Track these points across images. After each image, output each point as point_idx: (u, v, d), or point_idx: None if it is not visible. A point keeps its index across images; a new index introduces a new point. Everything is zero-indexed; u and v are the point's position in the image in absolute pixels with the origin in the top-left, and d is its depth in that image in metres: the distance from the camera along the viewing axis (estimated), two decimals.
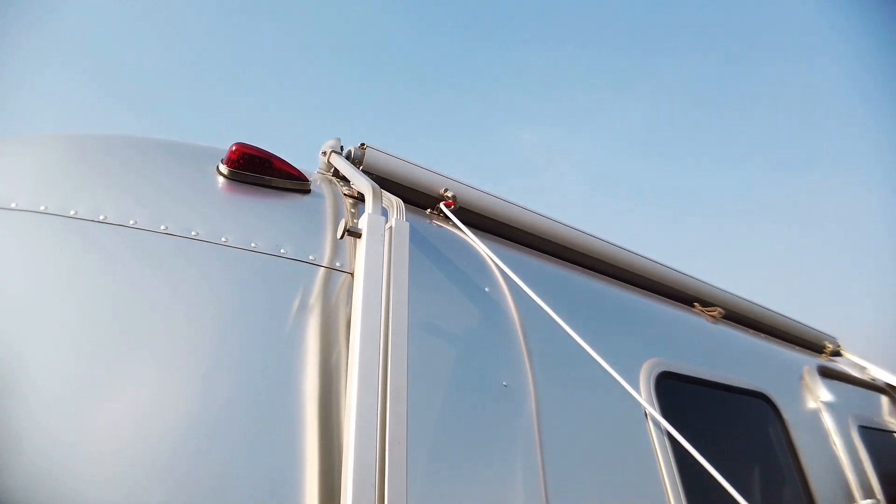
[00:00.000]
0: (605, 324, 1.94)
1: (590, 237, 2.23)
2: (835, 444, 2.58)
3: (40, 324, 1.09)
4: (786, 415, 2.35)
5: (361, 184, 1.50)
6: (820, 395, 2.67)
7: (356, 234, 1.36)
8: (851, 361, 3.66)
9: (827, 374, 2.94)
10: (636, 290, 2.34)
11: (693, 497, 1.71)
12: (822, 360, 3.20)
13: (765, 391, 2.33)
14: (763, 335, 2.98)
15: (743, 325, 2.90)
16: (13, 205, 1.24)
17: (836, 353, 3.66)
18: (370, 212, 1.38)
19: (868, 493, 2.54)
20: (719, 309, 2.65)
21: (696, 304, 2.67)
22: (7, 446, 0.96)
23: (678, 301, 2.60)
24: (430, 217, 1.87)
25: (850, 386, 3.20)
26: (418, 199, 1.93)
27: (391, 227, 1.38)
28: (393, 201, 1.49)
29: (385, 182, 1.87)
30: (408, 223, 1.43)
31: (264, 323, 1.25)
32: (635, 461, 1.67)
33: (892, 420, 3.47)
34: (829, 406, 2.69)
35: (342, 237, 1.39)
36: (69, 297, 1.14)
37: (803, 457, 2.30)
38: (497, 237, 2.03)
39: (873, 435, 3.01)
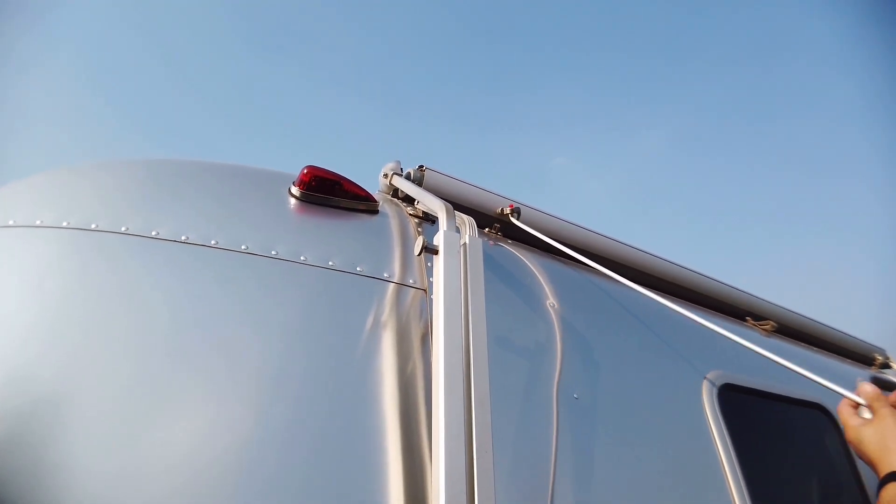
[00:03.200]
0: (665, 338, 1.96)
1: (643, 253, 2.26)
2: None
3: (121, 338, 1.15)
4: (838, 426, 2.34)
5: (434, 203, 1.54)
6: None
7: (433, 251, 1.40)
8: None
9: (879, 385, 2.91)
10: (692, 305, 2.35)
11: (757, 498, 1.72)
12: (873, 372, 3.16)
13: (820, 402, 2.32)
14: (814, 348, 2.96)
15: (794, 339, 2.89)
16: (93, 226, 1.30)
17: (886, 365, 3.62)
18: (445, 229, 1.42)
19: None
20: (771, 322, 2.65)
21: (748, 318, 2.67)
22: (77, 462, 1.01)
23: (731, 315, 2.60)
24: (488, 236, 1.91)
25: None
26: (477, 218, 1.97)
27: (465, 244, 1.42)
28: (465, 219, 1.53)
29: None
30: (481, 240, 1.47)
31: (344, 337, 1.29)
32: (701, 472, 1.68)
33: None
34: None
35: (420, 254, 1.44)
36: (150, 315, 1.19)
37: (860, 465, 2.28)
38: (555, 255, 2.06)
39: None
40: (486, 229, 1.97)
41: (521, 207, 1.99)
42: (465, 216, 1.56)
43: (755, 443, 2.03)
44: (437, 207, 1.50)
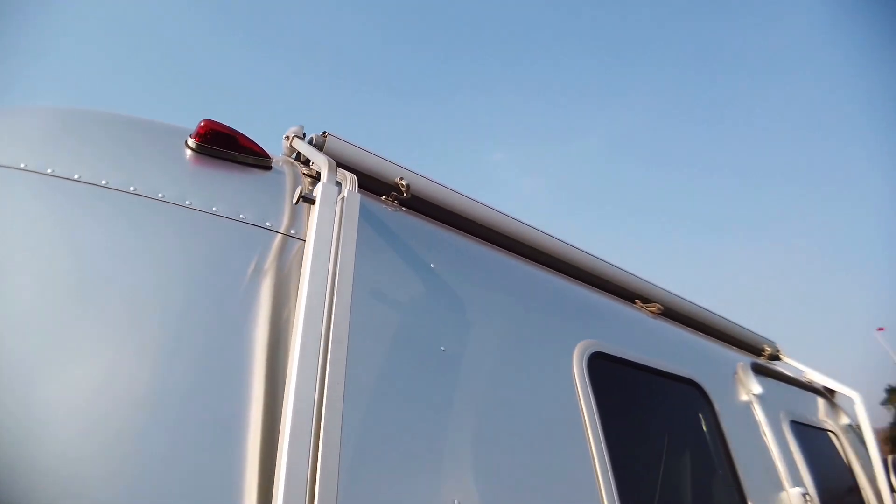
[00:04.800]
0: (544, 306, 2.08)
1: (536, 231, 2.37)
2: (764, 435, 2.74)
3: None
4: (716, 402, 2.51)
5: (319, 159, 1.63)
6: (752, 388, 2.83)
7: (310, 201, 1.49)
8: (790, 364, 3.85)
9: (760, 370, 3.11)
10: (579, 282, 2.48)
11: (620, 473, 1.85)
12: (758, 359, 3.37)
13: (696, 379, 2.48)
14: (702, 334, 3.14)
15: (683, 324, 3.05)
16: None
17: (775, 357, 3.84)
18: (325, 181, 1.51)
19: (796, 482, 2.70)
20: (658, 305, 2.81)
21: (637, 300, 2.82)
22: None
23: (621, 297, 2.74)
24: (385, 203, 2.00)
25: (784, 384, 3.37)
26: (375, 186, 2.05)
27: (343, 198, 1.51)
28: (347, 176, 1.62)
29: (344, 168, 1.99)
30: (359, 195, 1.56)
31: (221, 280, 1.38)
32: (563, 435, 1.80)
33: (826, 420, 3.66)
34: (761, 399, 2.86)
35: (297, 202, 1.53)
36: (36, 249, 1.26)
37: (731, 442, 2.45)
38: (448, 225, 2.16)
39: (805, 430, 3.18)
40: (384, 196, 2.07)
41: (416, 177, 2.09)
42: (348, 173, 1.65)
43: (622, 411, 2.17)
44: (320, 162, 1.59)
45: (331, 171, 1.56)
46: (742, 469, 2.41)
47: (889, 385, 60.93)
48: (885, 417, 61.55)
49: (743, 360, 3.03)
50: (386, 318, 1.54)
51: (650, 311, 2.77)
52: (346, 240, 1.43)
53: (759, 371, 3.11)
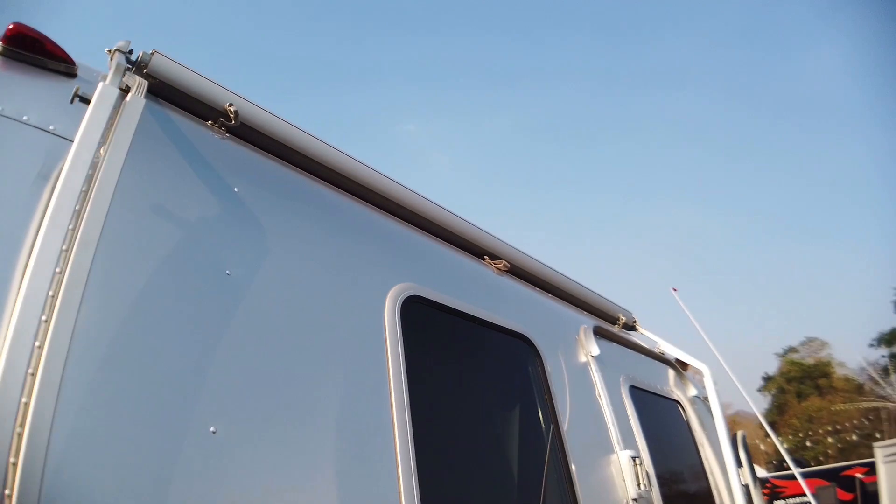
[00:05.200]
0: (364, 246, 2.05)
1: (377, 174, 2.32)
2: (599, 397, 2.80)
3: None
4: (547, 360, 2.54)
5: (112, 65, 1.55)
6: (591, 350, 2.89)
7: (86, 101, 1.42)
8: (645, 336, 3.95)
9: (604, 334, 3.17)
10: (415, 229, 2.43)
11: (422, 421, 1.84)
12: (605, 324, 3.42)
13: (527, 334, 2.50)
14: (551, 296, 3.16)
15: (531, 284, 3.07)
16: None
17: (631, 327, 3.93)
18: (106, 83, 1.44)
19: (628, 445, 2.77)
20: (504, 262, 2.82)
21: (486, 256, 2.83)
22: None
23: (468, 251, 2.72)
24: (211, 128, 1.93)
25: (630, 351, 3.45)
26: (204, 110, 1.97)
27: (126, 103, 1.44)
28: (137, 81, 1.55)
29: (172, 91, 1.91)
30: (144, 100, 1.50)
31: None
32: (362, 372, 1.78)
33: (674, 390, 3.78)
34: (599, 361, 2.92)
35: (73, 101, 1.45)
36: None
37: (559, 401, 2.48)
38: (280, 159, 2.09)
39: (647, 397, 3.27)
40: (211, 122, 1.99)
41: (248, 105, 2.02)
42: (140, 79, 1.58)
43: (436, 359, 2.17)
44: (112, 65, 1.53)
45: (116, 73, 1.49)
46: (567, 428, 2.45)
47: (766, 373, 64.63)
48: (762, 403, 65.08)
49: (584, 322, 3.08)
50: (162, 233, 1.48)
51: (496, 268, 2.78)
52: (118, 144, 1.37)
53: (603, 335, 3.17)
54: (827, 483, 20.80)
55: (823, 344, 64.23)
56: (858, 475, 20.44)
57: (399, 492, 1.66)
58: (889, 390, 40.63)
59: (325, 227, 1.96)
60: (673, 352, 3.96)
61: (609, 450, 2.69)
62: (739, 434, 4.22)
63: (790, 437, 48.98)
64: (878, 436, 29.90)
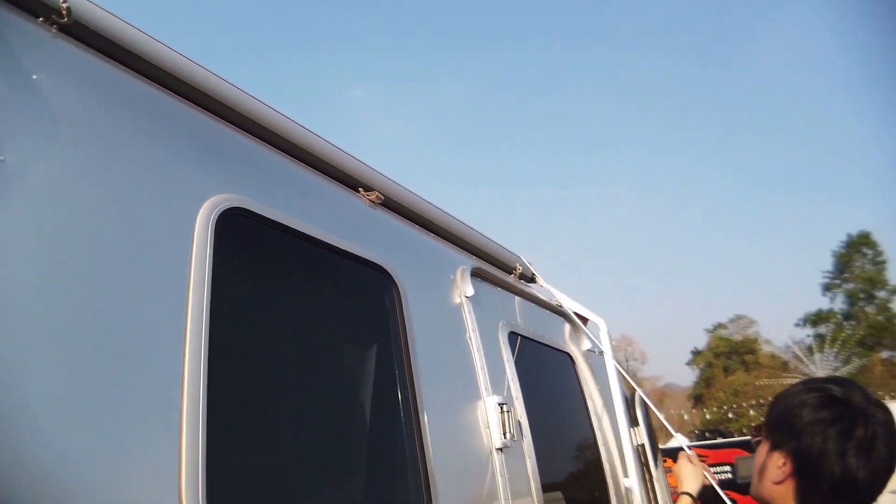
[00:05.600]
0: (187, 152, 1.72)
1: (229, 86, 1.99)
2: (470, 339, 2.55)
3: None
4: (408, 296, 2.27)
5: None
6: (465, 290, 2.64)
7: None
8: (545, 288, 3.73)
9: (487, 278, 2.93)
10: (261, 142, 2.12)
11: (224, 352, 1.55)
12: (494, 269, 3.17)
13: (386, 266, 2.23)
14: (433, 235, 2.89)
15: (411, 221, 2.80)
16: None
17: (530, 280, 3.71)
18: None
19: (499, 391, 2.54)
20: (378, 194, 2.54)
21: (360, 189, 2.54)
22: None
23: (343, 183, 2.43)
24: (40, 24, 1.60)
25: (519, 299, 3.22)
26: (35, 6, 1.63)
27: None
28: None
29: None
30: None
31: None
32: (156, 290, 1.47)
33: (568, 343, 3.57)
34: (475, 304, 2.67)
35: None
36: None
37: (417, 341, 2.21)
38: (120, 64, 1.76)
39: (530, 345, 3.05)
40: (41, 18, 1.65)
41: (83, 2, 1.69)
42: None
43: (261, 282, 1.89)
44: None
45: None
46: (423, 371, 2.19)
47: (695, 348, 66.79)
48: (690, 377, 67.36)
49: (463, 262, 2.82)
50: None
51: (369, 200, 2.50)
52: None
53: (486, 279, 2.93)
54: (747, 454, 21.40)
55: (751, 322, 66.57)
56: None
57: (180, 453, 1.34)
58: (812, 368, 42.21)
59: (137, 127, 1.63)
60: (571, 305, 3.76)
61: (474, 396, 2.44)
62: (637, 392, 4.06)
63: (715, 409, 50.52)
64: None
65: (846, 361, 42.88)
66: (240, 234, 1.78)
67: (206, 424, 1.41)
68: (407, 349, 2.18)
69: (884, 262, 55.63)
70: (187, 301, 1.51)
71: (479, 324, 2.64)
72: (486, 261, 3.20)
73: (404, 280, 2.30)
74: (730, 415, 48.04)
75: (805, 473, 1.57)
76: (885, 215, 76.50)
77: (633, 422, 3.93)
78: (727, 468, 21.18)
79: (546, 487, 2.66)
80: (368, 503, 2.01)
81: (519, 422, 2.60)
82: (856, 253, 57.46)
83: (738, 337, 65.35)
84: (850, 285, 57.63)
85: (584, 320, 3.83)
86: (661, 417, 3.67)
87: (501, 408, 2.43)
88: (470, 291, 2.65)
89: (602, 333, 3.69)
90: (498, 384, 2.58)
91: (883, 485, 1.52)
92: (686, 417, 51.67)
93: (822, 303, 59.54)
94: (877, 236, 56.54)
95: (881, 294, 55.85)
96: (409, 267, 2.40)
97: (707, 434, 26.64)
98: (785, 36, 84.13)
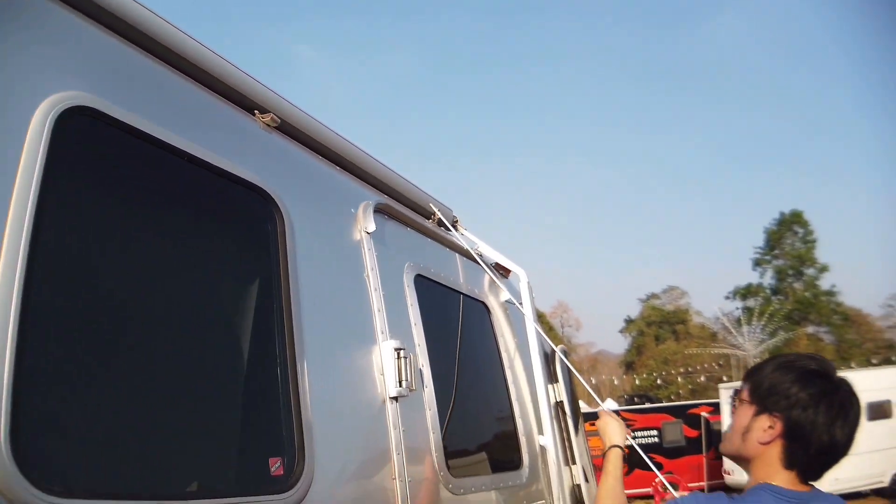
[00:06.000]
0: (25, 44, 1.42)
1: None
2: (367, 278, 2.30)
3: None
4: (294, 224, 1.99)
5: None
6: (367, 226, 2.38)
7: None
8: (466, 237, 3.50)
9: (395, 216, 2.68)
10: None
11: (51, 270, 1.28)
12: (406, 210, 2.91)
13: (270, 190, 1.96)
14: (343, 171, 2.62)
15: (316, 152, 2.52)
16: None
17: (451, 227, 3.46)
18: None
19: (398, 336, 2.30)
20: (273, 116, 2.25)
21: (256, 111, 2.25)
22: None
23: (238, 105, 2.14)
24: None
25: (432, 242, 2.99)
26: None
27: None
28: None
29: None
30: None
31: None
32: None
33: (486, 293, 3.35)
34: (377, 242, 2.42)
35: None
36: None
37: (300, 276, 1.94)
38: None
39: (440, 290, 2.82)
40: None
41: None
42: None
43: (108, 196, 1.59)
44: None
45: None
46: (306, 306, 1.93)
47: (629, 316, 68.41)
48: (623, 344, 69.16)
49: (366, 197, 2.55)
50: None
51: (263, 122, 2.20)
52: None
53: (395, 217, 2.68)
54: (674, 419, 21.89)
55: (683, 293, 68.23)
56: (704, 413, 21.65)
57: None
58: (740, 339, 43.42)
59: None
60: (492, 254, 3.53)
61: (368, 340, 2.21)
62: (558, 348, 3.90)
63: (645, 375, 51.79)
64: (725, 379, 31.83)
65: (772, 335, 44.29)
66: (88, 138, 1.50)
67: (14, 355, 1.15)
68: (287, 282, 1.91)
69: (813, 241, 57.38)
70: (7, 210, 1.23)
71: (381, 263, 2.39)
72: (401, 203, 2.94)
73: (291, 207, 2.03)
74: (658, 381, 49.23)
75: (795, 438, 1.79)
76: (818, 196, 78.89)
77: (551, 378, 3.78)
78: (654, 432, 21.72)
79: (449, 442, 2.46)
80: (224, 454, 1.75)
81: (420, 370, 2.38)
82: (787, 231, 59.10)
83: (669, 307, 66.92)
84: (780, 262, 59.40)
85: (507, 273, 3.62)
86: (578, 375, 3.47)
87: (398, 353, 2.20)
88: (371, 227, 2.39)
89: (522, 285, 3.49)
90: (397, 328, 2.34)
91: (852, 443, 1.80)
92: (616, 383, 52.97)
93: (752, 277, 61.28)
94: (808, 216, 58.27)
95: (809, 272, 57.71)
96: (299, 195, 2.13)
97: (636, 399, 27.28)
98: (731, 13, 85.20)
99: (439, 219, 3.28)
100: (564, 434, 3.73)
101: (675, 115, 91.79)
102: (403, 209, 2.80)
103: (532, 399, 3.30)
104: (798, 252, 57.85)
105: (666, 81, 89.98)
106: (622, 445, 2.43)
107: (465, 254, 3.31)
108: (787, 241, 59.03)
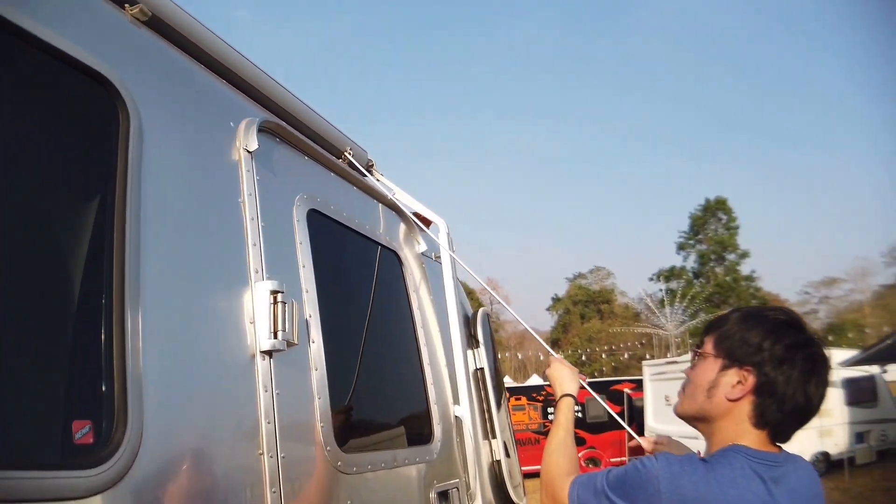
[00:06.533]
0: None
1: None
2: (243, 204, 1.84)
3: None
4: (141, 123, 1.52)
5: None
6: (248, 144, 1.92)
7: None
8: (382, 182, 3.07)
9: (288, 139, 2.21)
10: None
11: None
12: (305, 139, 2.44)
13: (113, 79, 1.48)
14: (226, 83, 2.14)
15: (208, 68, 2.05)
16: None
17: (366, 170, 3.02)
18: None
19: (276, 275, 1.85)
20: (142, 8, 1.76)
21: (126, 4, 1.76)
22: None
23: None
24: None
25: (341, 181, 2.53)
26: None
27: None
28: None
29: None
30: None
31: None
32: None
33: (403, 245, 2.91)
34: (261, 164, 1.96)
35: None
36: None
37: (141, 181, 1.47)
38: None
39: (340, 231, 2.37)
40: None
41: None
42: None
43: None
44: None
45: None
46: (148, 227, 1.46)
47: (556, 295, 69.48)
48: (549, 322, 70.29)
49: (260, 116, 2.09)
50: None
51: (131, 14, 1.72)
52: None
53: (290, 142, 2.22)
54: (594, 395, 21.99)
55: (609, 273, 69.54)
56: (627, 390, 21.87)
57: None
58: (662, 319, 44.30)
59: None
60: (410, 202, 3.11)
61: (235, 279, 1.75)
62: (481, 311, 3.52)
63: (570, 352, 52.54)
64: (648, 357, 32.36)
65: (693, 316, 45.30)
66: None
67: None
68: (124, 197, 1.44)
69: (736, 228, 59.10)
70: None
71: (263, 189, 1.93)
72: (304, 133, 2.48)
73: (144, 107, 1.55)
74: (583, 358, 50.03)
75: (767, 394, 1.64)
76: (742, 184, 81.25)
77: (471, 342, 3.39)
78: (577, 408, 21.65)
79: (340, 410, 2.03)
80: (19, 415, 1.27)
81: (307, 321, 1.94)
82: (711, 217, 60.68)
83: (595, 287, 68.09)
84: (703, 246, 60.96)
85: (428, 223, 3.19)
86: (520, 320, 3.02)
87: (275, 298, 1.76)
88: (254, 146, 1.92)
89: (441, 236, 3.08)
90: (278, 268, 1.89)
91: (822, 402, 1.67)
92: (542, 359, 53.64)
93: (676, 260, 62.78)
94: (732, 203, 59.87)
95: (731, 257, 59.44)
96: (158, 96, 1.66)
97: None
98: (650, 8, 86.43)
99: (350, 160, 2.83)
100: (484, 405, 3.36)
101: (605, 98, 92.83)
102: (303, 137, 2.33)
103: (449, 364, 2.90)
104: (720, 238, 59.44)
105: (597, 63, 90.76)
106: (575, 394, 2.21)
107: (380, 199, 2.87)
108: (711, 226, 60.58)
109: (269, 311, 1.74)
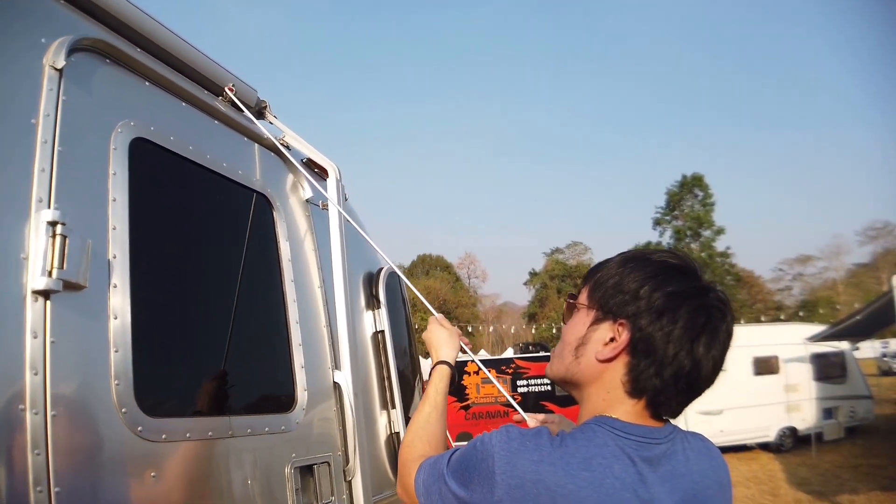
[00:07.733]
0: None
1: None
2: (36, 125, 1.56)
3: None
4: None
5: None
6: (54, 62, 1.65)
7: None
8: (275, 125, 2.79)
9: (119, 59, 1.92)
10: None
11: None
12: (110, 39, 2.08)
13: None
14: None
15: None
16: None
17: (258, 115, 2.74)
18: None
19: (62, 206, 1.57)
20: None
21: None
22: None
23: None
24: None
25: (194, 111, 2.24)
26: None
27: None
28: None
29: None
30: None
31: None
32: None
33: (275, 188, 2.62)
34: (74, 84, 1.68)
35: None
36: None
37: None
38: None
39: (177, 165, 2.04)
40: None
41: None
42: None
43: None
44: None
45: None
46: None
47: (533, 269, 69.70)
48: (527, 296, 70.62)
49: (82, 34, 1.81)
50: None
51: None
52: None
53: (122, 62, 1.94)
54: None
55: (586, 249, 69.80)
56: None
57: None
58: None
59: None
60: (303, 147, 2.84)
61: (13, 208, 1.49)
62: (385, 269, 3.28)
63: (545, 326, 52.72)
64: None
65: None
66: None
67: None
68: None
69: (712, 204, 59.34)
70: None
71: (68, 110, 1.66)
72: (170, 66, 2.20)
73: None
74: (556, 332, 50.23)
75: (644, 353, 1.31)
76: (719, 161, 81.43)
77: (372, 302, 3.16)
78: (547, 381, 21.74)
79: (145, 366, 1.73)
80: None
81: (109, 261, 1.67)
82: (687, 193, 60.88)
83: (572, 262, 68.32)
84: (679, 223, 61.19)
85: (326, 173, 2.92)
86: (416, 291, 2.77)
87: (54, 229, 1.50)
88: (61, 63, 1.66)
89: (329, 182, 2.82)
90: (73, 199, 1.61)
91: (719, 370, 1.32)
92: (513, 331, 53.90)
93: (652, 236, 63.01)
94: (709, 180, 60.03)
95: (706, 233, 59.72)
96: None
97: (531, 347, 27.34)
98: None
99: (231, 99, 2.54)
100: (384, 371, 3.13)
101: (588, 73, 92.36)
102: (149, 63, 2.05)
103: (327, 324, 2.65)
104: (696, 214, 59.67)
105: (582, 39, 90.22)
106: (452, 361, 1.87)
107: (259, 140, 2.60)
108: (687, 202, 60.76)
109: (47, 244, 1.48)
